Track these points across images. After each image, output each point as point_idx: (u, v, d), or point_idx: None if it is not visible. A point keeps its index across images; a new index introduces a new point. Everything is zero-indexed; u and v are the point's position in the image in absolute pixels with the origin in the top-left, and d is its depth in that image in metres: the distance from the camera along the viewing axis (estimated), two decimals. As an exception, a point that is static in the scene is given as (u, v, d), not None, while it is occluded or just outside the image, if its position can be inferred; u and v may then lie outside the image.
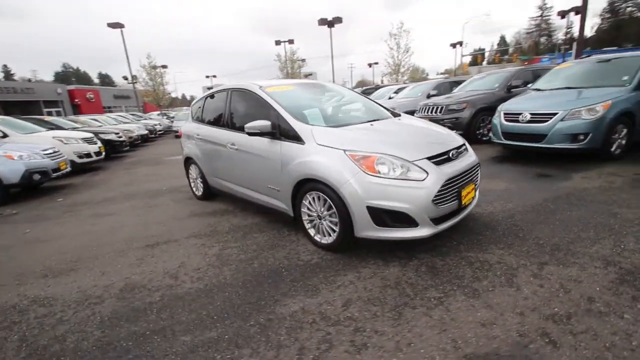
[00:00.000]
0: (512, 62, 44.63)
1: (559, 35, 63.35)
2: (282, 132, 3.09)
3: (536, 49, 54.80)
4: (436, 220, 2.52)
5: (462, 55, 38.86)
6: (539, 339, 1.72)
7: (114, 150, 10.38)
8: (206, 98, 4.54)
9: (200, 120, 4.54)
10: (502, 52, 57.11)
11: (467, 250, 2.69)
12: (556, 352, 1.62)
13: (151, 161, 9.80)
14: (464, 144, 3.01)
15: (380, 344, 1.77)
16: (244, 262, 2.84)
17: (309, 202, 2.91)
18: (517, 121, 5.47)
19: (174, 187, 5.91)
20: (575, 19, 23.54)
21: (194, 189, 4.98)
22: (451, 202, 2.57)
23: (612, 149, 4.95)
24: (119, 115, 16.07)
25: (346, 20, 22.65)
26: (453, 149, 2.78)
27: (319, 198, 2.80)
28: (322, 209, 2.81)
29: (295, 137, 2.96)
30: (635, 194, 3.58)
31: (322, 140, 2.79)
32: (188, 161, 4.88)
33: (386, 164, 2.48)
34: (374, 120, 3.31)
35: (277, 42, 26.03)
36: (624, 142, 5.00)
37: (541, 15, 61.95)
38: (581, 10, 13.86)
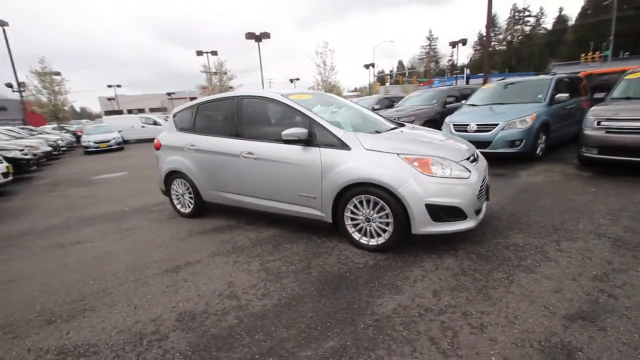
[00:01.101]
0: (412, 83, 51.64)
1: (444, 62, 75.43)
2: (319, 139, 3.11)
3: (429, 73, 64.09)
4: (476, 213, 2.88)
5: (375, 75, 43.07)
6: (600, 294, 2.16)
7: (19, 170, 8.43)
8: (198, 107, 4.19)
9: (192, 130, 4.16)
10: (403, 75, 65.13)
11: (494, 237, 3.12)
12: (618, 301, 2.07)
13: (75, 182, 8.26)
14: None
15: (493, 321, 1.98)
16: (300, 272, 2.74)
17: (354, 206, 2.99)
18: (466, 131, 6.45)
19: (136, 207, 5.16)
20: (462, 48, 28.33)
21: (179, 205, 4.47)
22: (484, 195, 2.98)
23: (537, 151, 6.24)
24: (8, 129, 13.05)
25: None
26: (474, 152, 3.22)
27: (367, 201, 2.91)
28: (371, 212, 2.91)
29: (338, 144, 3.02)
30: (573, 184, 4.61)
31: (370, 145, 2.93)
32: (171, 176, 4.38)
33: (438, 165, 2.75)
34: (394, 129, 3.59)
35: (199, 53, 24.78)
36: (543, 146, 6.36)
37: (429, 45, 73.01)
38: (486, 41, 16.89)
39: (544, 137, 6.33)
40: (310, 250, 3.14)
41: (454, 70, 37.79)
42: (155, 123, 19.99)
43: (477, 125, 6.34)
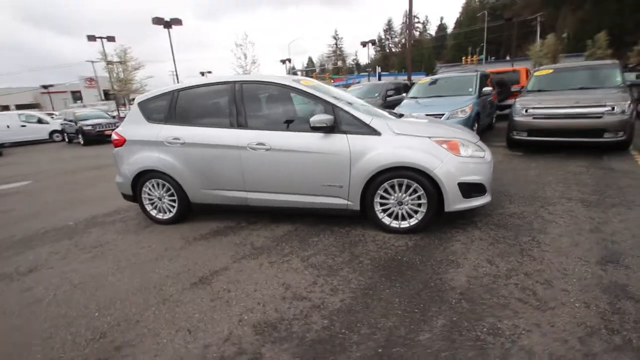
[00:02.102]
0: (325, 79, 53.81)
1: (349, 61, 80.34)
2: (344, 125, 3.02)
3: (338, 70, 67.53)
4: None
5: (289, 71, 43.25)
6: (604, 242, 2.66)
7: None
8: (177, 93, 3.59)
9: (171, 120, 3.56)
10: (314, 71, 67.11)
11: (494, 209, 3.52)
12: (620, 245, 2.59)
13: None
14: None
15: (552, 276, 2.26)
16: (350, 263, 2.64)
17: (384, 191, 3.02)
18: (417, 120, 7.06)
19: (82, 219, 4.19)
20: (363, 49, 30.36)
21: (154, 211, 3.79)
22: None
23: (474, 137, 7.23)
24: None
25: (149, 25, 20.70)
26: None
27: (400, 185, 2.97)
28: (404, 195, 2.99)
29: (367, 130, 2.99)
30: (516, 162, 5.51)
31: (400, 130, 2.98)
32: (142, 176, 3.67)
33: (463, 146, 2.97)
34: (402, 115, 3.72)
35: (91, 38, 20.66)
36: (476, 133, 7.39)
37: (336, 44, 76.79)
38: (407, 40, 18.41)
39: (476, 125, 7.36)
40: (342, 241, 3.04)
41: (360, 68, 40.58)
42: (40, 121, 16.26)
43: (426, 115, 6.99)
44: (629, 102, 5.18)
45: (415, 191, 2.95)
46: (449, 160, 2.86)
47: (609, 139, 5.24)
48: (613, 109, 5.14)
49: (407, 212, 3.03)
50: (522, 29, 42.62)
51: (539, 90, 6.64)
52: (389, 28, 72.33)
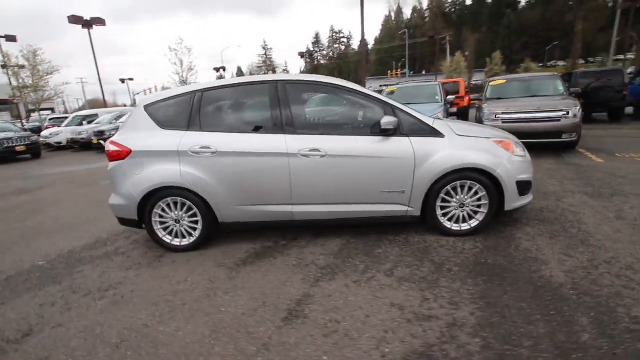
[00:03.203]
0: None
1: (280, 71, 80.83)
2: (406, 128, 2.89)
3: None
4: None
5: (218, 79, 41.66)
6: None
7: None
8: (200, 95, 3.02)
9: (196, 127, 2.98)
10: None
11: (529, 207, 3.74)
12: (652, 230, 2.95)
13: None
14: None
15: (630, 254, 2.44)
16: (441, 272, 2.50)
17: (446, 193, 2.96)
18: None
19: (55, 258, 3.24)
20: (294, 61, 30.92)
21: (168, 238, 3.11)
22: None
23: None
24: None
25: (47, 27, 18.19)
26: None
27: (462, 187, 2.94)
28: (466, 197, 2.97)
29: (430, 132, 2.90)
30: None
31: (461, 131, 2.96)
32: (154, 195, 3.00)
33: (516, 145, 3.09)
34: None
35: None
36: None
37: (265, 54, 76.45)
38: (360, 46, 18.96)
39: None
40: (410, 249, 2.88)
41: None
42: None
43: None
44: (578, 107, 6.11)
45: (475, 192, 2.95)
46: (508, 160, 2.93)
47: (566, 139, 6.09)
48: (568, 113, 6.00)
49: (468, 214, 3.02)
50: (434, 47, 48.13)
51: (498, 98, 7.44)
52: (316, 41, 74.93)
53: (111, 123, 12.50)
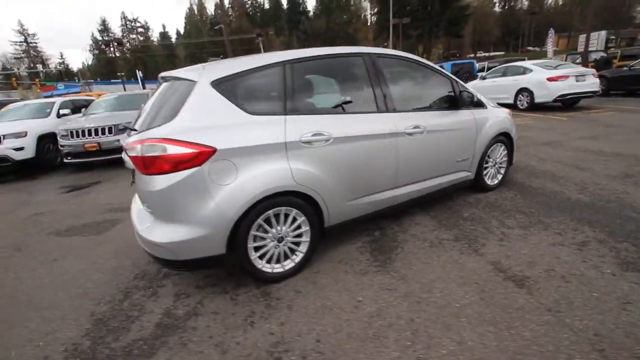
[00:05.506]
0: (15, 88, 38.24)
1: (54, 65, 62.21)
2: (465, 100, 3.20)
3: (52, 77, 50.19)
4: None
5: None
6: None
7: None
8: (288, 66, 2.23)
9: (296, 108, 2.21)
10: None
11: (540, 186, 4.83)
12: None
13: None
14: None
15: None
16: (533, 226, 3.03)
17: (487, 155, 3.54)
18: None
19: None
20: (75, 53, 25.82)
21: (268, 266, 2.22)
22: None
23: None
24: None
25: None
26: None
27: (496, 149, 3.59)
28: (498, 156, 3.64)
29: (479, 103, 3.34)
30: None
31: (490, 103, 3.55)
32: (250, 212, 2.07)
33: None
34: None
35: None
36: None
37: (26, 41, 56.35)
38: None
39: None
40: (473, 211, 3.23)
41: (71, 75, 32.70)
42: None
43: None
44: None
45: (503, 150, 3.66)
46: (513, 124, 3.79)
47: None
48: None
49: (497, 170, 3.70)
50: (250, 45, 49.61)
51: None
52: (104, 29, 61.18)
53: None
